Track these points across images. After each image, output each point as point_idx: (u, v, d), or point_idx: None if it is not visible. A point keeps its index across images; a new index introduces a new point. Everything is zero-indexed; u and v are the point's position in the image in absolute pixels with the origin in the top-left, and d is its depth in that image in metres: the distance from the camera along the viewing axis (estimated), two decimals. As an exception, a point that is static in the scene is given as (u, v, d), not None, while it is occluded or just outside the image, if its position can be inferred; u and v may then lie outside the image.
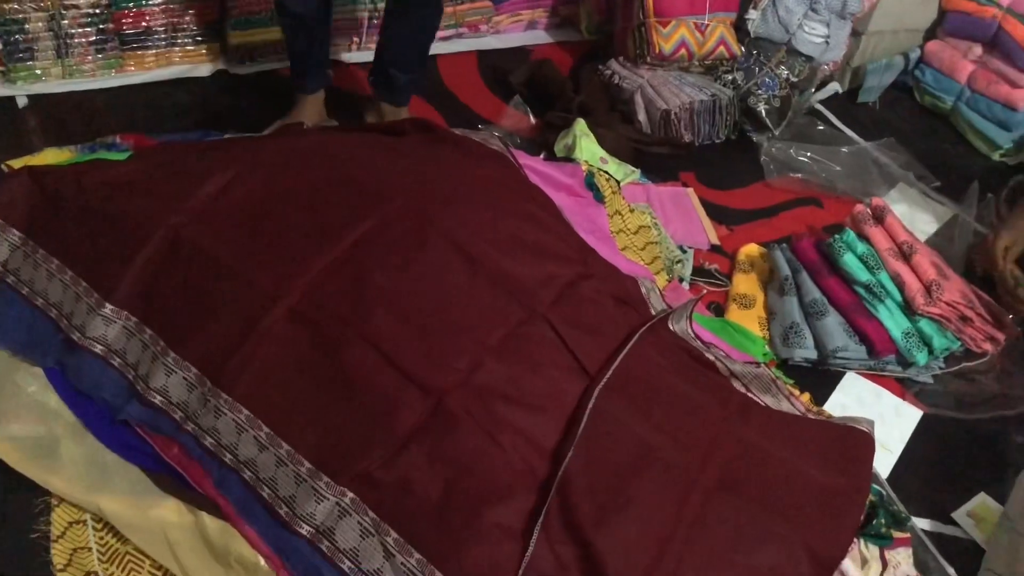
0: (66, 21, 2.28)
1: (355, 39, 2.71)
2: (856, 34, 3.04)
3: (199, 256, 1.55)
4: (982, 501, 1.88)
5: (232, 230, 1.58)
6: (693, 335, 1.82)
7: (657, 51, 2.72)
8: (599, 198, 2.23)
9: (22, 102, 2.26)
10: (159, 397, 1.48)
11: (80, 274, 1.60)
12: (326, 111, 2.34)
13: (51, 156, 1.96)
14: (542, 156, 2.42)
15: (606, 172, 2.36)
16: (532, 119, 2.65)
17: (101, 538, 1.40)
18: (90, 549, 1.39)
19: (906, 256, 2.19)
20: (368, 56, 2.47)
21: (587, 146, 2.42)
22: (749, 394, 1.79)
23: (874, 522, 1.64)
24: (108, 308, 1.56)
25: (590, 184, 2.25)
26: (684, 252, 2.30)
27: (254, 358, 1.46)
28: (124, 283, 1.57)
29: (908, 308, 2.12)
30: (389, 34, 2.25)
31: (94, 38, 2.35)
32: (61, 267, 1.62)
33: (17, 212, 1.68)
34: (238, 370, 1.45)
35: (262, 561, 1.33)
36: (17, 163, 1.90)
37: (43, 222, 1.67)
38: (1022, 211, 2.32)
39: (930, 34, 3.21)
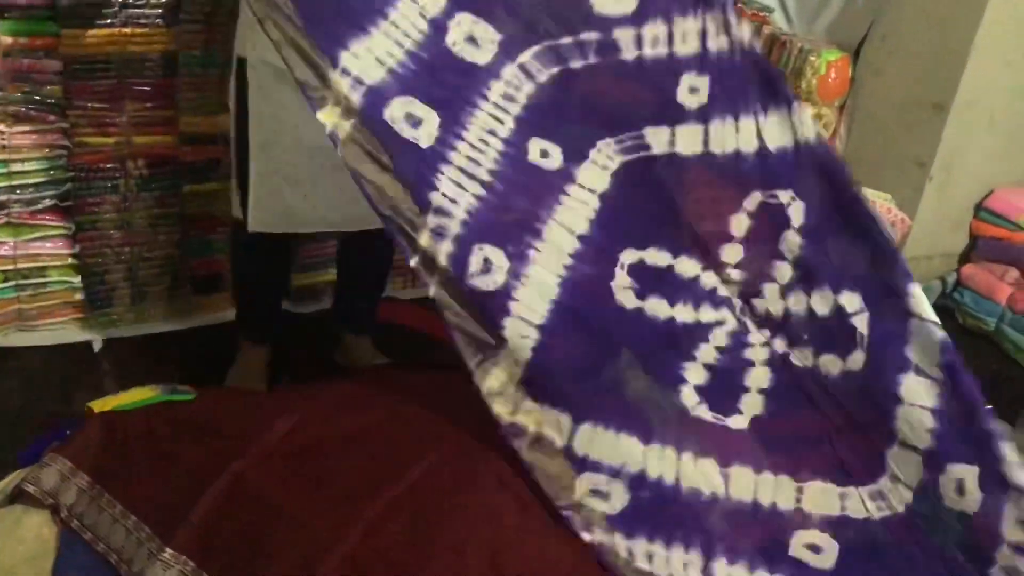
0: (143, 272, 2.46)
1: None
2: (891, 261, 3.14)
3: (260, 501, 1.59)
4: None
5: (293, 475, 1.62)
6: None
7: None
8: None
9: (97, 346, 2.39)
10: (215, 643, 1.47)
11: (142, 519, 1.64)
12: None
13: (136, 395, 2.05)
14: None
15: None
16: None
17: None
18: None
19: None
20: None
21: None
22: None
23: None
24: (168, 552, 1.58)
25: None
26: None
27: (310, 605, 1.45)
28: (185, 527, 1.60)
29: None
30: (347, 265, 2.35)
31: (167, 284, 2.51)
32: (124, 512, 1.66)
33: (88, 457, 1.75)
34: (294, 618, 1.45)
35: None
36: (99, 403, 2.00)
37: (111, 466, 1.74)
38: None
39: (964, 258, 3.30)
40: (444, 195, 1.48)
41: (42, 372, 2.26)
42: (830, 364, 1.55)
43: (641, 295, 1.54)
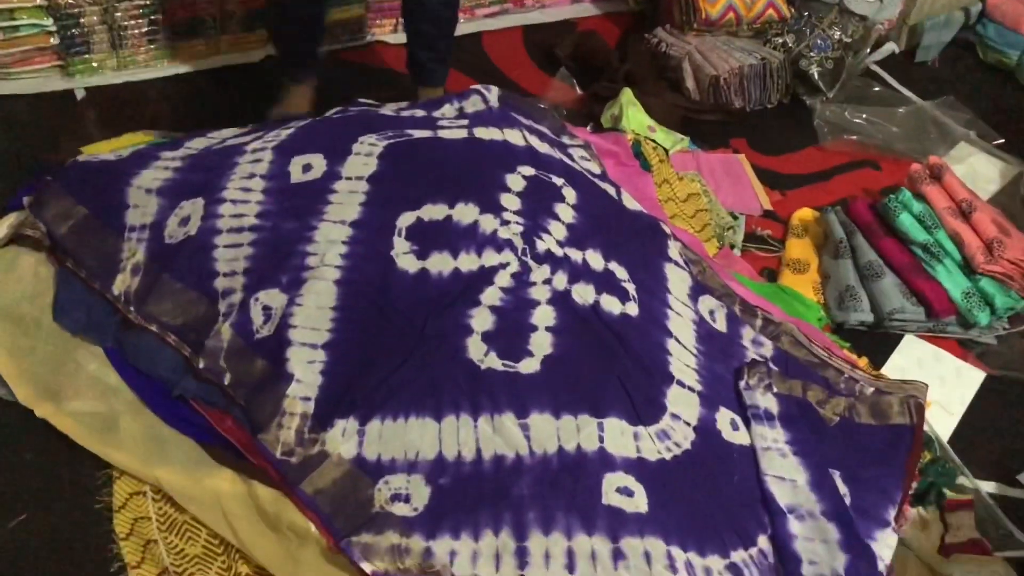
0: (119, 13, 2.34)
1: (397, 21, 2.71)
2: (912, -10, 2.95)
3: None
4: (1050, 463, 1.82)
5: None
6: None
7: (704, 16, 2.68)
8: (646, 167, 2.21)
9: (80, 95, 2.32)
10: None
11: (134, 256, 1.68)
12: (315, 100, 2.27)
13: (131, 139, 2.03)
14: (588, 128, 2.41)
15: (653, 141, 2.34)
16: (578, 90, 2.63)
17: (160, 508, 1.44)
18: (150, 518, 1.43)
19: (965, 214, 2.13)
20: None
21: (634, 115, 2.39)
22: None
23: (923, 481, 1.63)
24: (162, 288, 1.63)
25: (637, 153, 2.24)
26: (735, 219, 2.27)
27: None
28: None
29: (968, 267, 2.06)
30: (414, 28, 2.23)
31: (146, 29, 2.40)
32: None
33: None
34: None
35: (312, 527, 1.35)
36: (92, 148, 1.98)
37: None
38: None
39: (992, -14, 3.09)
40: (224, 275, 1.55)
41: (26, 121, 2.20)
42: (610, 304, 1.59)
43: (422, 255, 1.53)
